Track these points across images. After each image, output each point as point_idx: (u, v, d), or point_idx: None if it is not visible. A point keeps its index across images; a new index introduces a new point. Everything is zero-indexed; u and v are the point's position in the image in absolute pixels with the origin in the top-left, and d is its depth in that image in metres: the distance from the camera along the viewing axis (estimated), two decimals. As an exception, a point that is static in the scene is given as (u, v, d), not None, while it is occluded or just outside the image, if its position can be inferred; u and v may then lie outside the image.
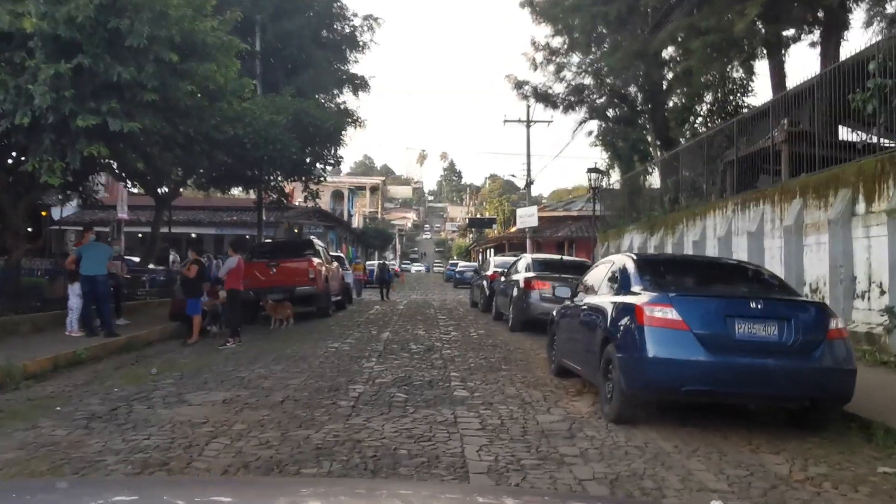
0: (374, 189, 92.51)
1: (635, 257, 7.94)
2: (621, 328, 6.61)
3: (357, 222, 66.12)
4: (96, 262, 12.04)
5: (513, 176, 39.92)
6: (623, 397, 6.39)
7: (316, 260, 18.03)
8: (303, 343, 12.73)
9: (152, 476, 4.76)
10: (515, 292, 15.08)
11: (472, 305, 23.28)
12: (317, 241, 19.81)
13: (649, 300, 6.40)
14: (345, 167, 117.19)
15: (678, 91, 20.88)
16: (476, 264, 50.90)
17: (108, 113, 10.87)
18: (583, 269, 15.63)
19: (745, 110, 18.95)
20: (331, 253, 26.57)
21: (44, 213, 30.91)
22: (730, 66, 20.13)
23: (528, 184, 39.57)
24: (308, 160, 21.71)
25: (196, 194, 36.66)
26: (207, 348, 12.39)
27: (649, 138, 25.73)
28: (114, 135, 11.22)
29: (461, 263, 49.70)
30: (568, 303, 9.55)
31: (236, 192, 29.63)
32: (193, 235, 37.72)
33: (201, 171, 20.21)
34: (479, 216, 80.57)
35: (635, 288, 6.92)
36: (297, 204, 47.76)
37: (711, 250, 15.89)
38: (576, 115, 26.18)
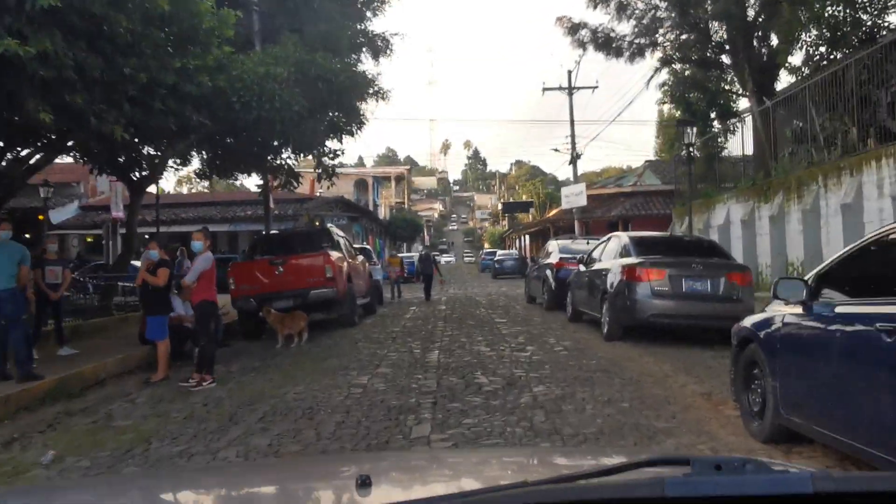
0: (398, 179, 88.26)
1: None
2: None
3: (383, 213, 61.98)
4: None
5: (556, 150, 35.03)
6: None
7: (335, 254, 13.88)
8: (314, 376, 8.58)
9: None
10: (610, 286, 10.77)
11: (530, 301, 19.01)
12: (335, 230, 15.65)
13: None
14: (367, 160, 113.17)
15: (784, 13, 16.12)
16: (515, 252, 46.47)
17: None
18: (712, 251, 11.31)
19: (885, 33, 14.37)
20: (355, 245, 22.45)
21: (40, 217, 27.32)
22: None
23: (574, 158, 35.06)
24: (320, 128, 17.44)
25: (200, 188, 32.80)
26: (172, 392, 8.32)
27: (733, 88, 21.12)
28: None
29: (500, 252, 45.30)
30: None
31: (250, 184, 25.50)
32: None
33: (189, 151, 16.17)
34: (511, 201, 76.01)
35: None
36: (318, 195, 44.04)
37: (874, 215, 11.45)
38: (642, 64, 21.62)
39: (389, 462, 2.43)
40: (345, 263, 14.44)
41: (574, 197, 34.64)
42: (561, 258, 16.29)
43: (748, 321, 5.63)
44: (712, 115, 22.45)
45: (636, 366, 8.57)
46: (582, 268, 13.00)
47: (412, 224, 57.64)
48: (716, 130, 21.93)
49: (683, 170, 22.65)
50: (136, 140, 11.98)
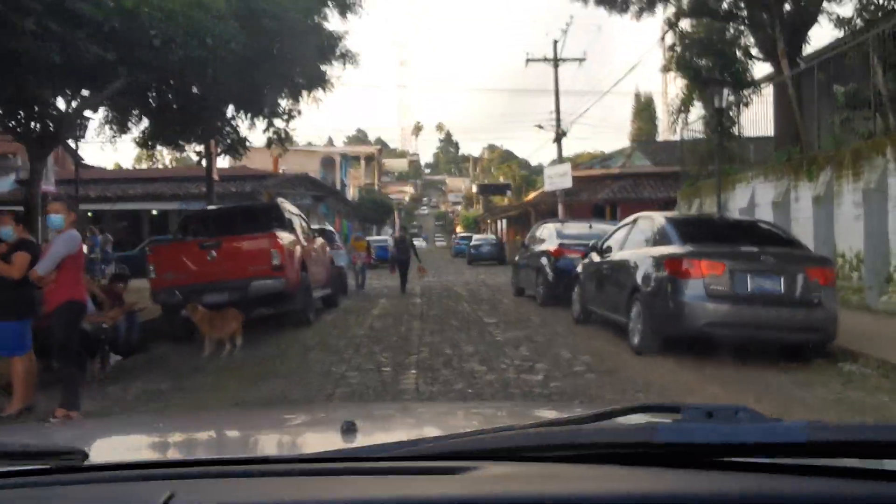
0: (369, 159, 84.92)
1: None
2: None
3: (352, 194, 58.89)
4: None
5: (540, 127, 32.42)
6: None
7: (285, 236, 11.07)
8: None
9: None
10: (644, 282, 8.13)
11: (518, 293, 16.37)
12: (288, 206, 12.74)
13: None
14: (337, 141, 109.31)
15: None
16: (493, 237, 43.76)
17: None
18: (775, 237, 8.70)
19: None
20: (314, 226, 19.55)
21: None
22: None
23: (559, 136, 32.42)
24: (270, 82, 14.51)
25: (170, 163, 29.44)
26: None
27: (751, 51, 18.57)
28: None
29: (476, 237, 42.55)
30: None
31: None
32: (154, 212, 30.79)
33: (101, 102, 13.07)
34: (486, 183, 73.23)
35: None
36: (282, 171, 40.92)
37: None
38: (651, 21, 18.92)
39: (374, 411, 2.45)
40: (298, 247, 11.63)
41: (558, 178, 32.01)
42: (560, 244, 13.65)
43: None
44: (726, 80, 19.89)
45: (702, 399, 5.93)
46: (595, 257, 10.33)
47: (382, 206, 54.58)
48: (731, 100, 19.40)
49: (694, 145, 20.17)
50: (6, 76, 8.97)
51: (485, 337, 9.89)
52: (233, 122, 16.52)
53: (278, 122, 14.95)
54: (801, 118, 14.56)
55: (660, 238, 8.46)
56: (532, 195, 42.08)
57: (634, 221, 9.56)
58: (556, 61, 32.39)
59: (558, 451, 1.09)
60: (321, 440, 1.65)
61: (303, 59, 14.34)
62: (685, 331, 7.61)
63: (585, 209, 31.67)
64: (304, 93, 18.08)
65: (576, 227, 14.98)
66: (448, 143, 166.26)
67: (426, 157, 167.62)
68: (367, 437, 1.49)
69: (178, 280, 10.47)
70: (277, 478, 1.12)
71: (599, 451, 1.07)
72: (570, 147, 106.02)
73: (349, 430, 1.38)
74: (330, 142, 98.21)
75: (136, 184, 31.34)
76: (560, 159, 32.61)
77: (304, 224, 13.71)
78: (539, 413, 2.29)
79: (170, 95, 13.86)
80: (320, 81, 17.18)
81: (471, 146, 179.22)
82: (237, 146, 17.31)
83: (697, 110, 20.72)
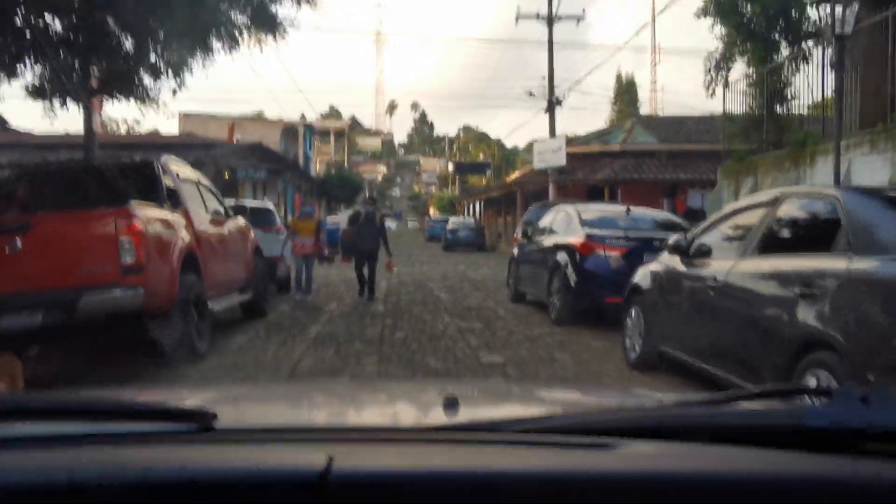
0: (339, 134, 79.82)
1: None
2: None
3: (316, 171, 53.94)
4: None
5: (531, 94, 28.08)
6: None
7: (149, 214, 6.56)
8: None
9: None
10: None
11: (517, 299, 12.06)
12: (177, 167, 8.03)
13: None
14: (311, 117, 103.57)
15: None
16: (472, 220, 39.25)
17: None
18: None
19: None
20: (250, 204, 14.85)
21: None
22: None
23: (552, 104, 28.07)
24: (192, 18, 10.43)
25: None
26: None
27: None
28: None
29: (452, 219, 38.06)
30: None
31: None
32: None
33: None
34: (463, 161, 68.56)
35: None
36: (236, 141, 36.15)
37: None
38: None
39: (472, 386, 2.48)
40: (181, 234, 7.11)
41: (550, 154, 27.73)
42: (588, 237, 9.30)
43: None
44: (776, 35, 15.68)
45: None
46: (677, 262, 5.97)
47: (350, 182, 49.58)
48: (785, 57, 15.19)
49: (738, 114, 15.94)
50: None
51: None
52: (133, 62, 11.94)
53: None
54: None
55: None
56: (516, 174, 37.70)
57: (776, 201, 5.14)
58: (550, 19, 27.99)
59: (703, 431, 1.06)
60: (444, 413, 1.38)
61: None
62: None
63: (580, 190, 27.41)
64: (245, 35, 13.81)
65: (605, 212, 10.61)
66: (423, 123, 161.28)
67: (400, 136, 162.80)
68: (475, 411, 1.51)
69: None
70: (432, 444, 1.09)
71: (743, 434, 1.04)
72: (563, 127, 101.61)
73: (450, 404, 1.31)
74: (303, 118, 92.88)
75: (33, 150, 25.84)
76: (552, 133, 28.21)
77: (211, 197, 9.19)
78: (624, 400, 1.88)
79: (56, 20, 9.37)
80: (268, 23, 13.08)
81: (446, 127, 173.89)
82: (143, 96, 12.82)
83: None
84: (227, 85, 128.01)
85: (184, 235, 7.19)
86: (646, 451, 1.01)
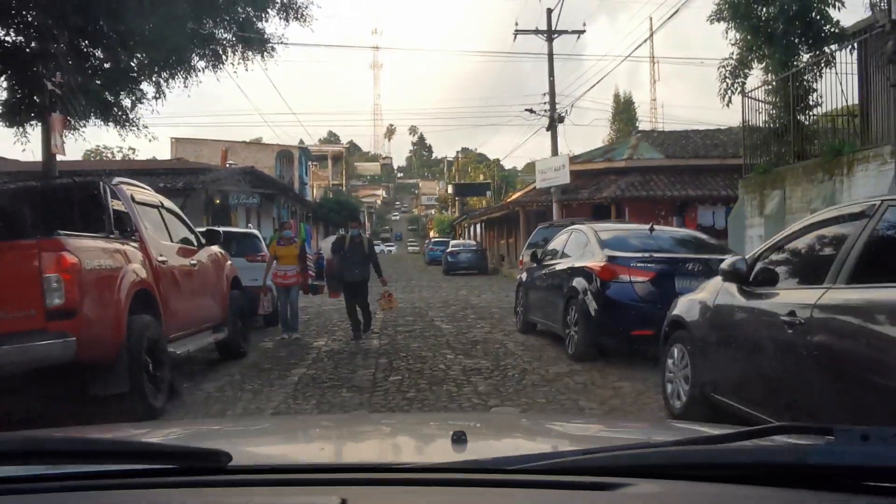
0: (336, 158, 78.96)
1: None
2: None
3: (313, 195, 52.92)
4: None
5: (531, 111, 27.08)
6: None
7: (87, 246, 5.42)
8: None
9: None
10: None
11: (526, 329, 10.86)
12: (130, 191, 6.88)
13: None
14: (308, 143, 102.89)
15: None
16: (473, 242, 38.12)
17: None
18: None
19: None
20: (234, 229, 13.73)
21: None
22: None
23: (554, 122, 27.06)
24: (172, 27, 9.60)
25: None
26: None
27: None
28: None
29: (453, 242, 36.89)
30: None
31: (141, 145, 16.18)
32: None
33: None
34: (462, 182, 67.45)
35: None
36: (229, 165, 35.24)
37: None
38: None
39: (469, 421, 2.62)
40: (132, 267, 5.95)
41: (553, 173, 26.75)
42: (610, 259, 8.14)
43: None
44: (796, 39, 14.64)
45: None
46: (733, 293, 4.82)
47: (347, 206, 48.44)
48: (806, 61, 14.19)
49: (769, 120, 14.85)
50: None
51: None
52: (99, 74, 10.95)
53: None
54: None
55: None
56: (517, 194, 36.59)
57: (875, 211, 3.98)
58: (549, 33, 27.07)
59: (707, 470, 1.06)
60: (453, 450, 1.43)
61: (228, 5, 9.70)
62: None
63: (585, 209, 26.35)
64: (230, 51, 13.16)
65: (625, 231, 9.47)
66: (421, 146, 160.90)
67: (399, 160, 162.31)
68: (482, 447, 1.54)
69: None
70: (439, 486, 1.10)
71: (746, 472, 1.04)
72: (562, 147, 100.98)
73: (459, 440, 1.34)
74: (301, 144, 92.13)
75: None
76: (555, 151, 27.17)
77: (179, 224, 8.04)
78: (631, 436, 1.94)
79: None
80: (255, 40, 12.44)
81: (445, 150, 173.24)
82: (115, 115, 11.98)
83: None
84: (224, 110, 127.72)
85: (135, 268, 6.02)
86: (649, 491, 1.02)
